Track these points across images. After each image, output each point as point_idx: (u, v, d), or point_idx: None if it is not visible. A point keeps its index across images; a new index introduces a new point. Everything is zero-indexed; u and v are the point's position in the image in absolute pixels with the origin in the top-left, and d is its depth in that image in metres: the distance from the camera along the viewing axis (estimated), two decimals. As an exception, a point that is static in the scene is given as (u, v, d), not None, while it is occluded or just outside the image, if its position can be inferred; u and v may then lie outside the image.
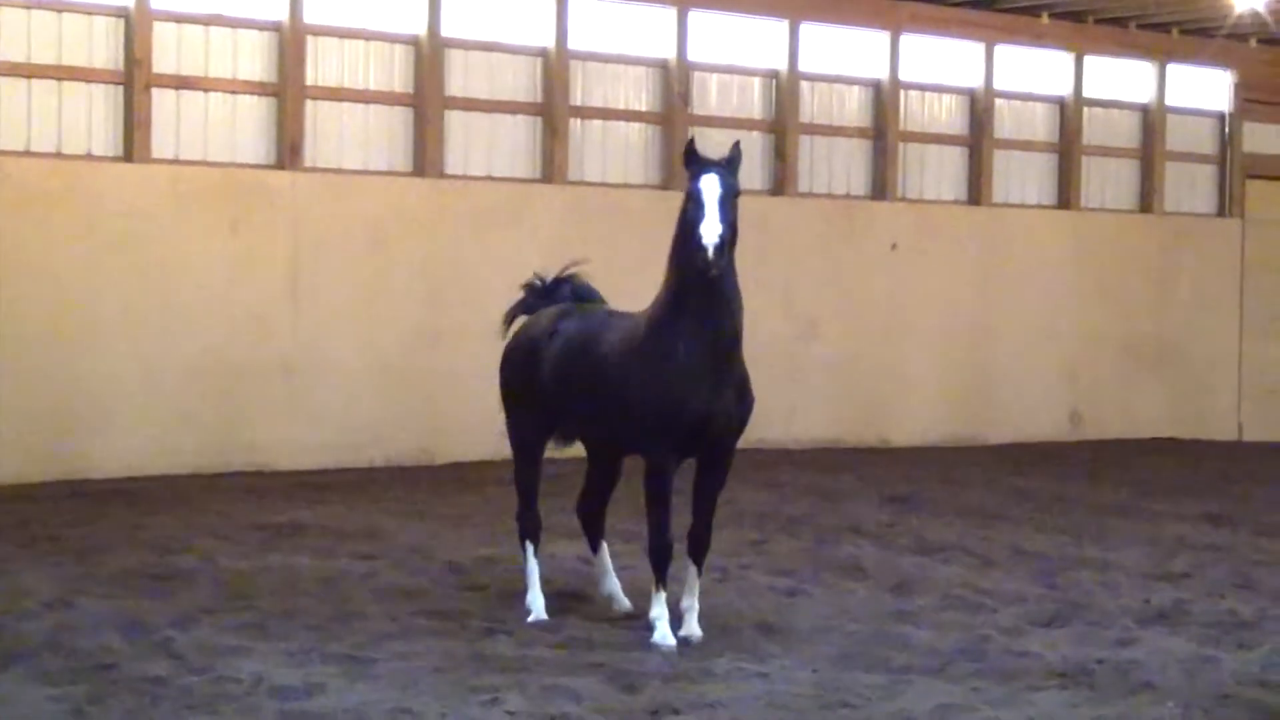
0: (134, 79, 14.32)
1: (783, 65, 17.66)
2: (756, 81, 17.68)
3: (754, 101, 17.68)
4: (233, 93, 14.92)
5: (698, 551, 8.65)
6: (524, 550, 9.22)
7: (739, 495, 12.58)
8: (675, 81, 16.96)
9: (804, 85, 17.86)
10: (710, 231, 7.96)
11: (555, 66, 16.28)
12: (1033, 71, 19.40)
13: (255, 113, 15.01)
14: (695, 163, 8.22)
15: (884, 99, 18.30)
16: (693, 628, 8.55)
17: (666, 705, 7.29)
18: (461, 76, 16.00)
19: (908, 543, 11.73)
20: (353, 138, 15.49)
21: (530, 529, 9.24)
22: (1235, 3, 17.33)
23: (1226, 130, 20.76)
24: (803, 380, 17.43)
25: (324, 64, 15.33)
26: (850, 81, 18.26)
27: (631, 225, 16.01)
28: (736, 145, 8.49)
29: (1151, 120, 20.17)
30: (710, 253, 7.93)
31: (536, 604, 9.01)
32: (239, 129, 14.96)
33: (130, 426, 14.23)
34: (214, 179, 14.71)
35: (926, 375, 18.52)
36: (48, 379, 13.91)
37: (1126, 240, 19.95)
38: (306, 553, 10.83)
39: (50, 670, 7.64)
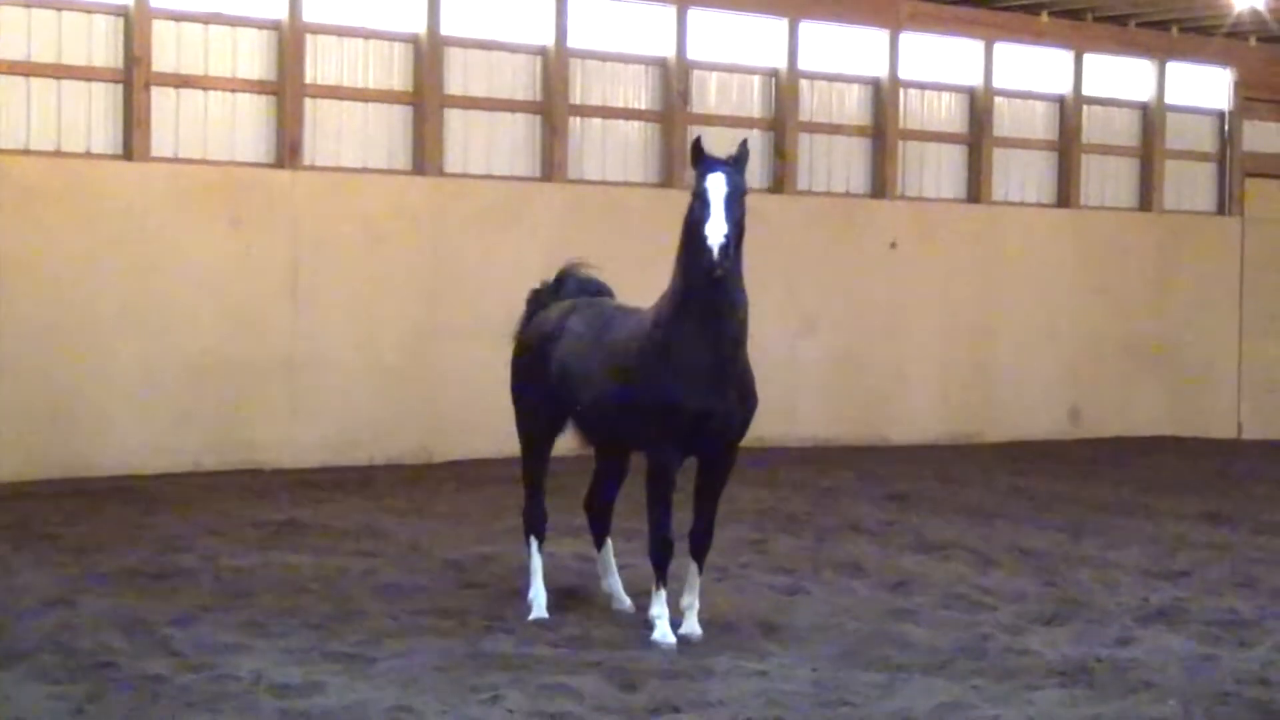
0: (133, 77, 14.31)
1: (782, 63, 17.66)
2: (756, 80, 17.68)
3: (753, 100, 17.67)
4: (232, 91, 14.91)
5: (699, 550, 8.65)
6: (528, 545, 9.23)
7: (738, 494, 12.57)
8: (675, 80, 16.95)
9: (803, 83, 17.85)
10: (716, 231, 7.94)
11: (555, 65, 16.28)
12: (1032, 70, 19.40)
13: (255, 111, 15.01)
14: (702, 161, 8.20)
15: (883, 97, 18.30)
16: (693, 626, 8.55)
17: (666, 703, 7.29)
18: (461, 75, 15.99)
19: (907, 541, 11.73)
20: (352, 136, 15.49)
21: (535, 525, 9.25)
22: (1235, 1, 17.32)
23: (1226, 129, 20.76)
24: (802, 378, 17.42)
25: (323, 62, 15.33)
26: (850, 80, 18.26)
27: (631, 224, 16.02)
28: (744, 144, 8.44)
29: (1151, 118, 20.17)
30: (716, 253, 7.91)
31: (538, 600, 9.01)
32: (238, 127, 14.96)
33: (130, 425, 14.24)
34: (213, 177, 14.71)
35: (926, 373, 18.53)
36: (47, 377, 13.91)
37: (1126, 238, 19.95)
38: (306, 551, 10.84)
39: (50, 669, 7.64)
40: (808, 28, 17.80)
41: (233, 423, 14.71)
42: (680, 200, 8.37)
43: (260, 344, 14.83)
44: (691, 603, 8.62)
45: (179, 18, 14.66)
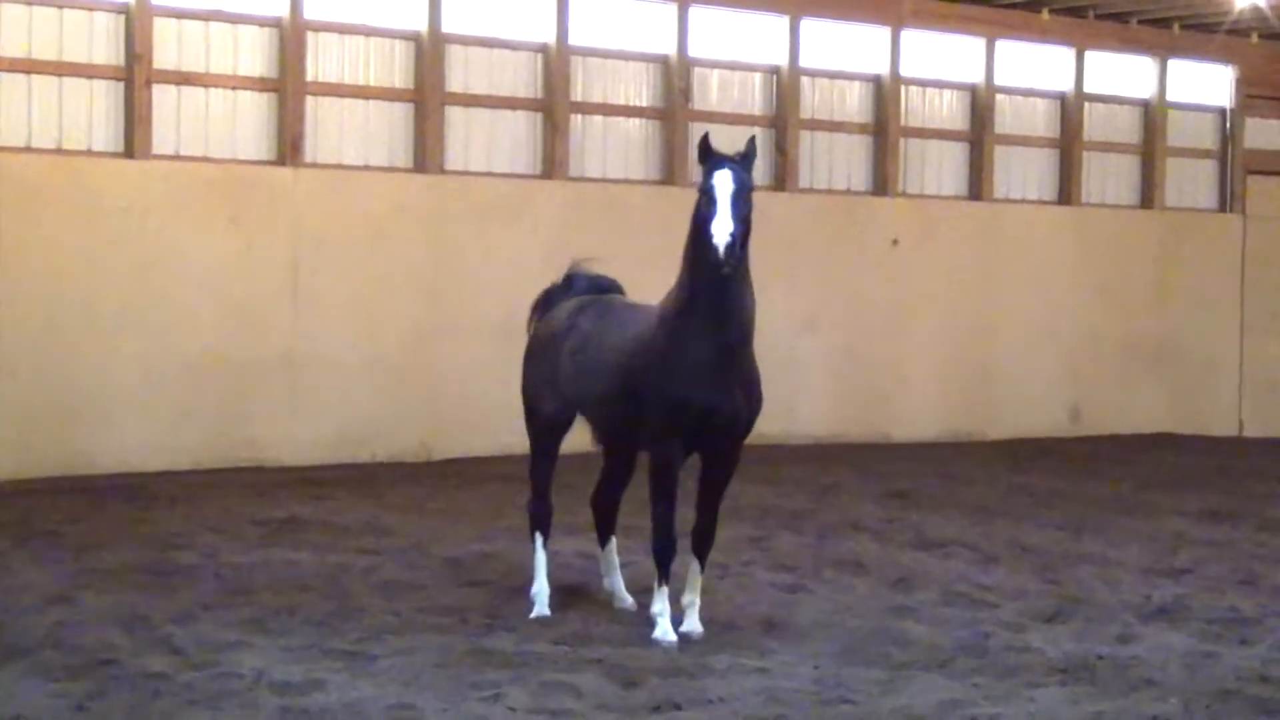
0: (134, 75, 14.31)
1: (783, 61, 17.65)
2: (757, 77, 17.67)
3: (755, 97, 17.66)
4: (233, 88, 14.90)
5: (701, 548, 8.65)
6: (533, 541, 9.23)
7: (739, 491, 12.53)
8: (676, 77, 16.94)
9: (805, 80, 17.84)
10: (722, 229, 7.93)
11: (556, 62, 16.27)
12: (1033, 66, 19.38)
13: (256, 108, 15.00)
14: (709, 158, 8.18)
15: (885, 94, 18.29)
16: (694, 624, 8.55)
17: (667, 701, 7.29)
18: (462, 72, 15.99)
19: (908, 538, 11.72)
20: (353, 133, 15.48)
21: (541, 520, 9.25)
22: (1236, -2, 17.34)
23: (1227, 126, 20.74)
24: (803, 375, 17.41)
25: (324, 59, 15.32)
26: (851, 77, 18.25)
27: (632, 221, 16.02)
28: (751, 140, 8.44)
29: (1152, 116, 20.15)
30: (722, 250, 7.90)
31: (541, 596, 9.01)
32: (239, 125, 14.95)
33: (130, 422, 14.23)
34: (214, 175, 14.70)
35: (927, 370, 18.52)
36: (48, 375, 13.91)
37: (1127, 236, 19.94)
38: (307, 548, 10.84)
39: (51, 666, 7.65)
40: (809, 25, 17.79)
41: (233, 420, 14.71)
42: (682, 197, 8.38)
43: (261, 341, 14.83)
44: (693, 600, 8.62)
45: (180, 15, 14.65)
